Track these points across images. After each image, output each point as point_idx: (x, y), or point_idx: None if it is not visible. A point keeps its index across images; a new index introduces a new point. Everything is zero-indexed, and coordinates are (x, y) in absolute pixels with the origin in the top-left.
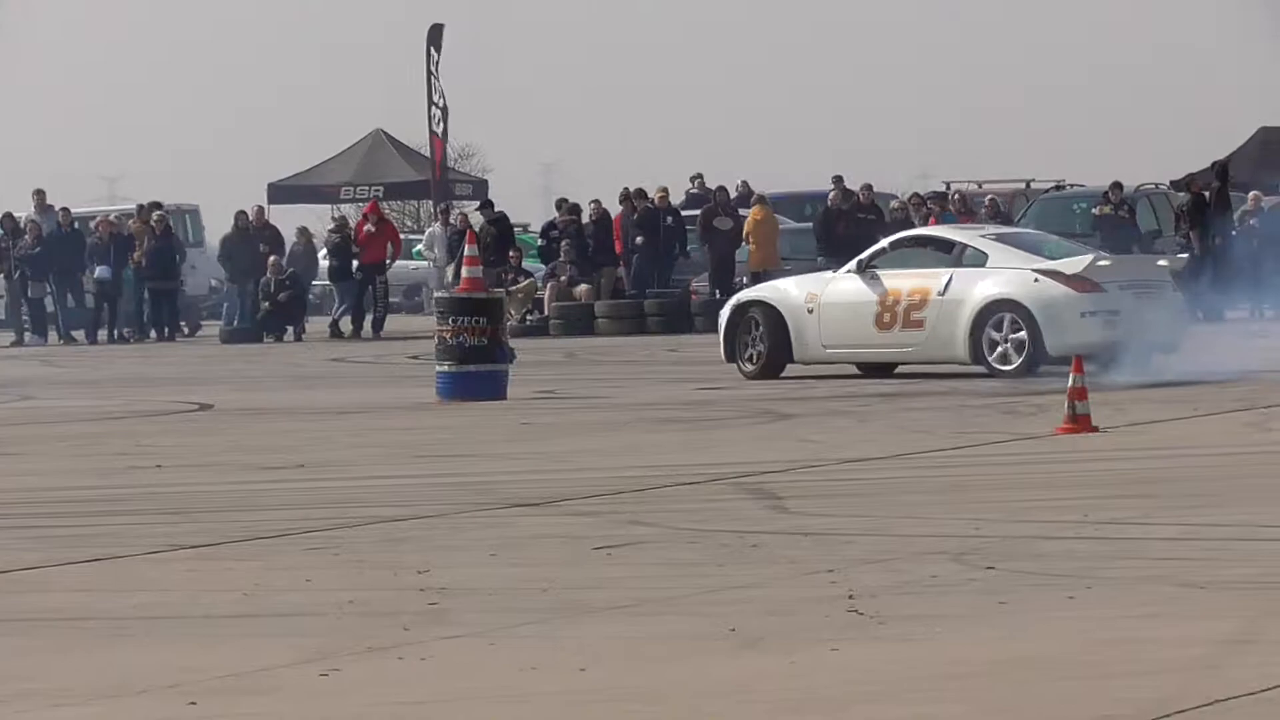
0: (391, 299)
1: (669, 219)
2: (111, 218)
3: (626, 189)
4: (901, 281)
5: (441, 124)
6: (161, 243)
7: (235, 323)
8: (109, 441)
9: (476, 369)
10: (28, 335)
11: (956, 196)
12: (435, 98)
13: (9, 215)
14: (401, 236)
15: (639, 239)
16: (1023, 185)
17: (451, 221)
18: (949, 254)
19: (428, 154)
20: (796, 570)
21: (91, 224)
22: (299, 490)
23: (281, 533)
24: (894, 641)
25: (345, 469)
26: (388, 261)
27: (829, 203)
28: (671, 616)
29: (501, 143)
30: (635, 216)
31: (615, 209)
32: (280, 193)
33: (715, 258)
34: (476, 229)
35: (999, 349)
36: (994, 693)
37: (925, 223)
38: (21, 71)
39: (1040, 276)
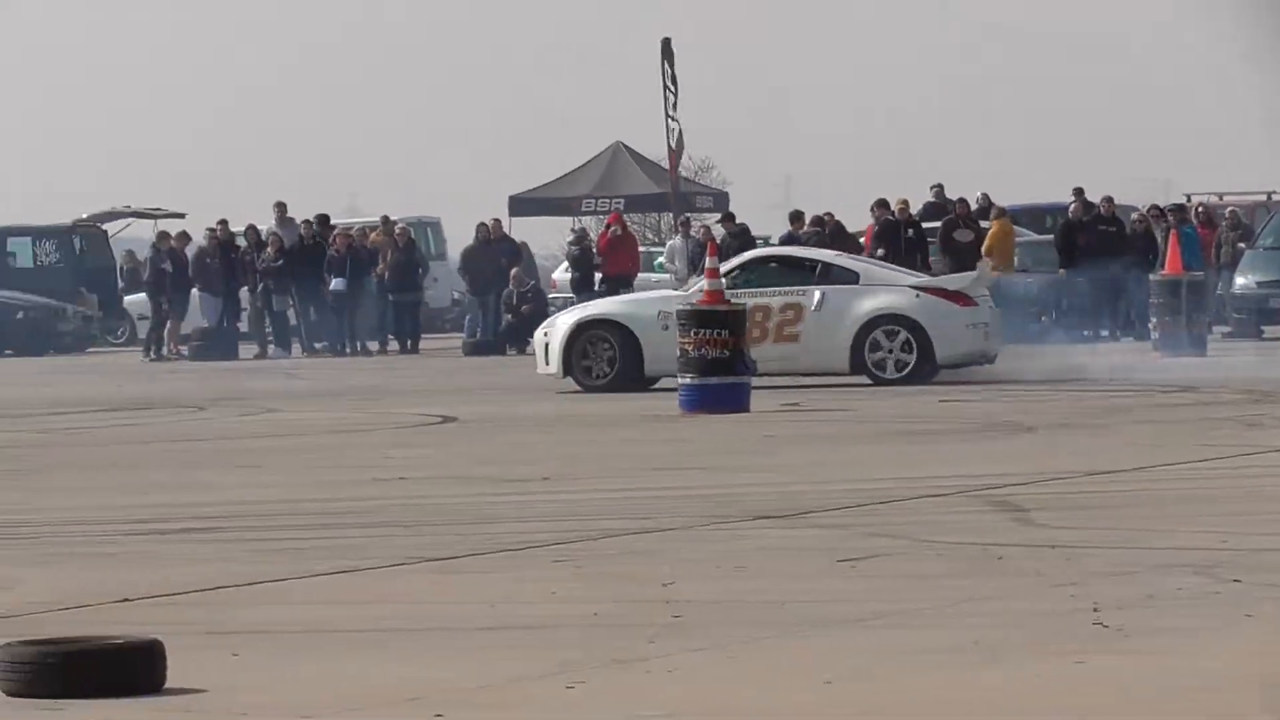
0: None
1: (909, 231)
2: (351, 231)
3: (881, 200)
4: (768, 298)
5: (676, 137)
6: (404, 255)
7: (478, 335)
8: (352, 454)
9: (719, 381)
10: (271, 348)
11: (1200, 209)
12: (670, 111)
13: (252, 228)
14: (641, 249)
15: (880, 251)
16: (1264, 197)
17: (693, 234)
18: (812, 272)
19: (667, 167)
20: (1041, 583)
21: (330, 237)
22: (543, 502)
23: (526, 545)
24: (1138, 654)
25: (589, 481)
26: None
27: (1070, 215)
28: (915, 629)
29: (741, 155)
30: (876, 228)
31: (853, 222)
32: (521, 205)
33: (955, 270)
34: (718, 241)
35: (884, 359)
36: (1239, 707)
37: (1166, 236)
38: (269, 85)
39: (920, 293)
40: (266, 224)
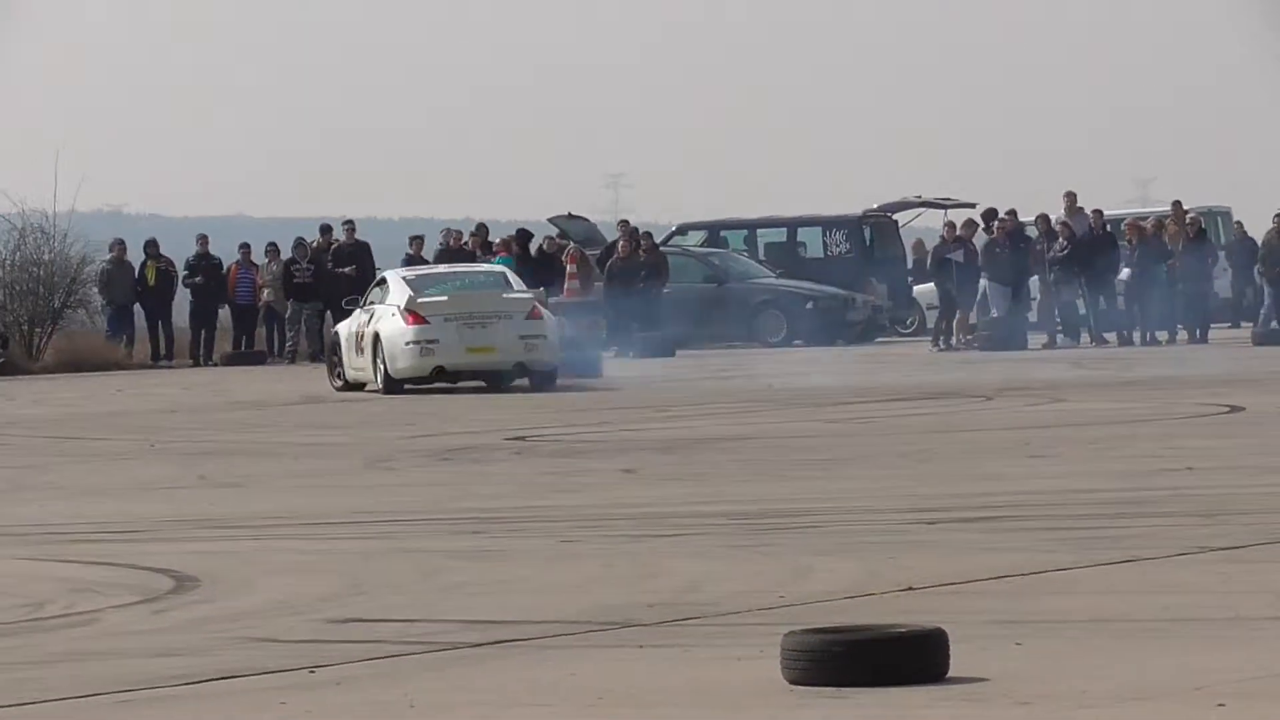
0: None
1: None
2: (1143, 221)
3: None
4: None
5: None
6: (1194, 245)
7: (1275, 324)
8: (1138, 444)
9: None
10: (1060, 337)
11: None
12: None
13: (1043, 217)
14: None
15: None
16: None
17: None
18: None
19: None
20: None
21: (1121, 226)
22: None
23: None
24: None
25: None
26: None
27: None
28: None
29: None
30: None
31: None
32: None
33: None
34: None
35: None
36: None
37: None
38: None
39: (396, 310)
40: (1056, 213)
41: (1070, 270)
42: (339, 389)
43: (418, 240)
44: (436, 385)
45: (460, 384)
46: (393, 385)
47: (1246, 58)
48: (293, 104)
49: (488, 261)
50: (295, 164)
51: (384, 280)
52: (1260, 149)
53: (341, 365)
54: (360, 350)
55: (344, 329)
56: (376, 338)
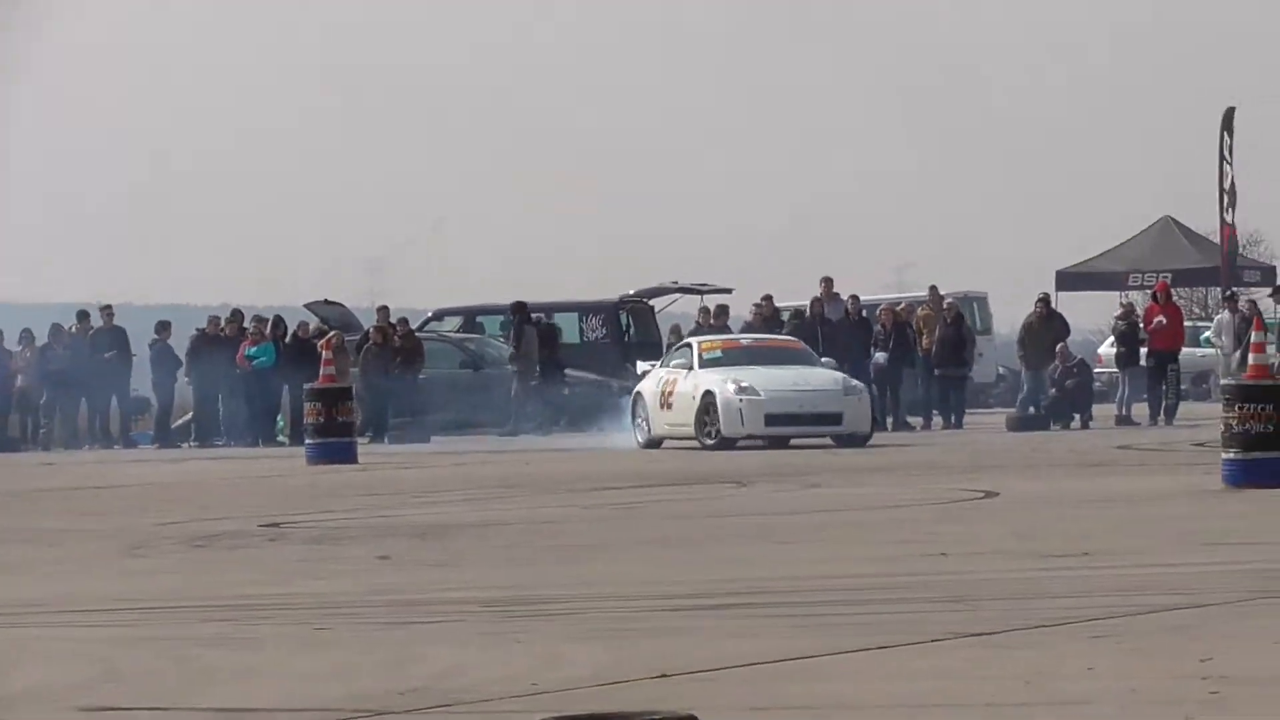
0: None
1: None
2: (898, 306)
3: None
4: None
5: (1231, 211)
6: (951, 331)
7: (1032, 410)
8: (892, 529)
9: (1263, 456)
10: None
11: None
12: (1226, 184)
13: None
14: (1188, 323)
15: None
16: None
17: (1240, 308)
18: None
19: (1216, 240)
20: None
21: (877, 311)
22: (1083, 578)
23: (1064, 620)
24: None
25: (1130, 556)
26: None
27: None
28: None
29: None
30: None
31: None
32: (1068, 280)
33: None
34: (1265, 315)
35: None
36: None
37: None
38: (810, 162)
39: None
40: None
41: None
42: None
43: (165, 327)
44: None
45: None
46: None
47: (1004, 142)
48: (41, 186)
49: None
50: (46, 248)
51: None
52: (1015, 235)
53: None
54: None
55: None
56: None
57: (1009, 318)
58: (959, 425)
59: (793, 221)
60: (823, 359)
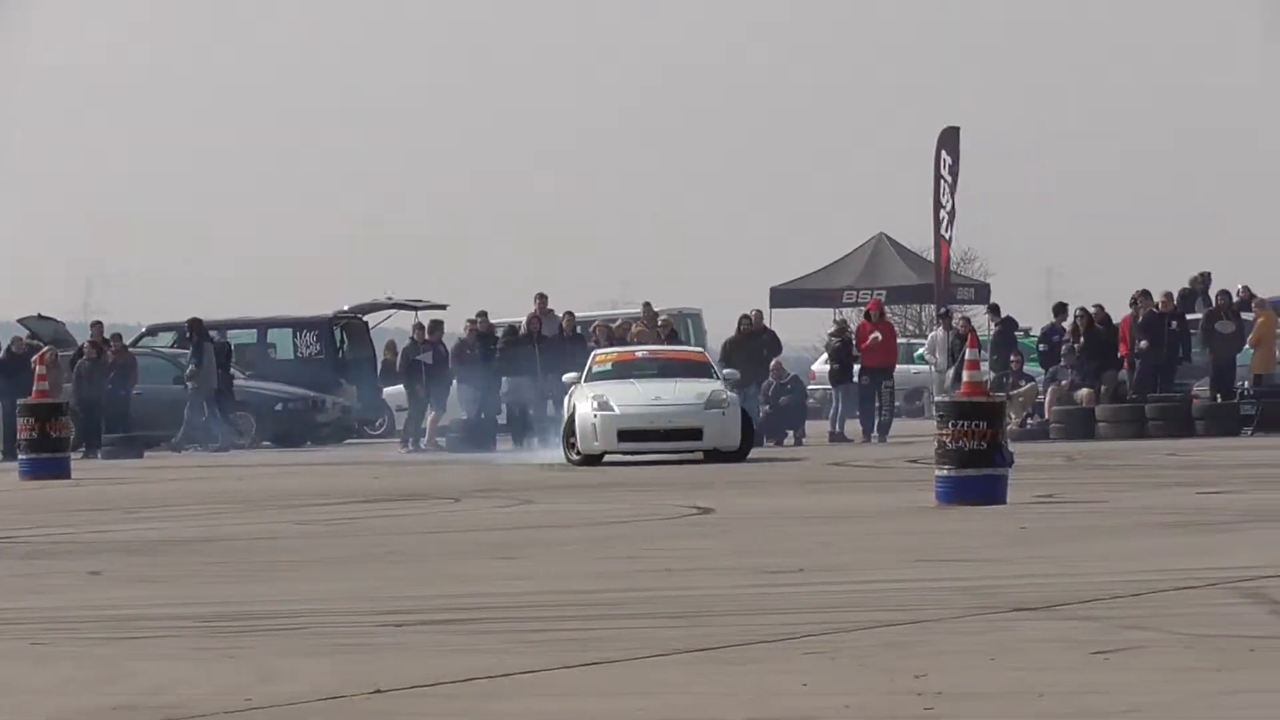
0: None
1: (1173, 323)
2: (613, 323)
3: (1144, 291)
4: None
5: (949, 229)
6: (667, 345)
7: None
8: (614, 545)
9: (976, 473)
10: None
11: None
12: (944, 201)
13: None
14: (902, 340)
15: (1143, 343)
16: None
17: (954, 325)
18: None
19: (929, 258)
20: None
21: (591, 328)
22: (799, 594)
23: (781, 637)
24: None
25: (845, 572)
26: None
27: None
28: None
29: (1004, 247)
30: (1140, 320)
31: (1118, 312)
32: (782, 296)
33: (1217, 362)
34: (979, 332)
35: None
36: None
37: None
38: (531, 177)
39: None
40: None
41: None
42: None
43: None
44: None
45: None
46: None
47: (719, 159)
48: None
49: None
50: None
51: None
52: (730, 252)
53: None
54: None
55: None
56: None
57: (725, 334)
58: None
59: (511, 237)
60: (725, 371)
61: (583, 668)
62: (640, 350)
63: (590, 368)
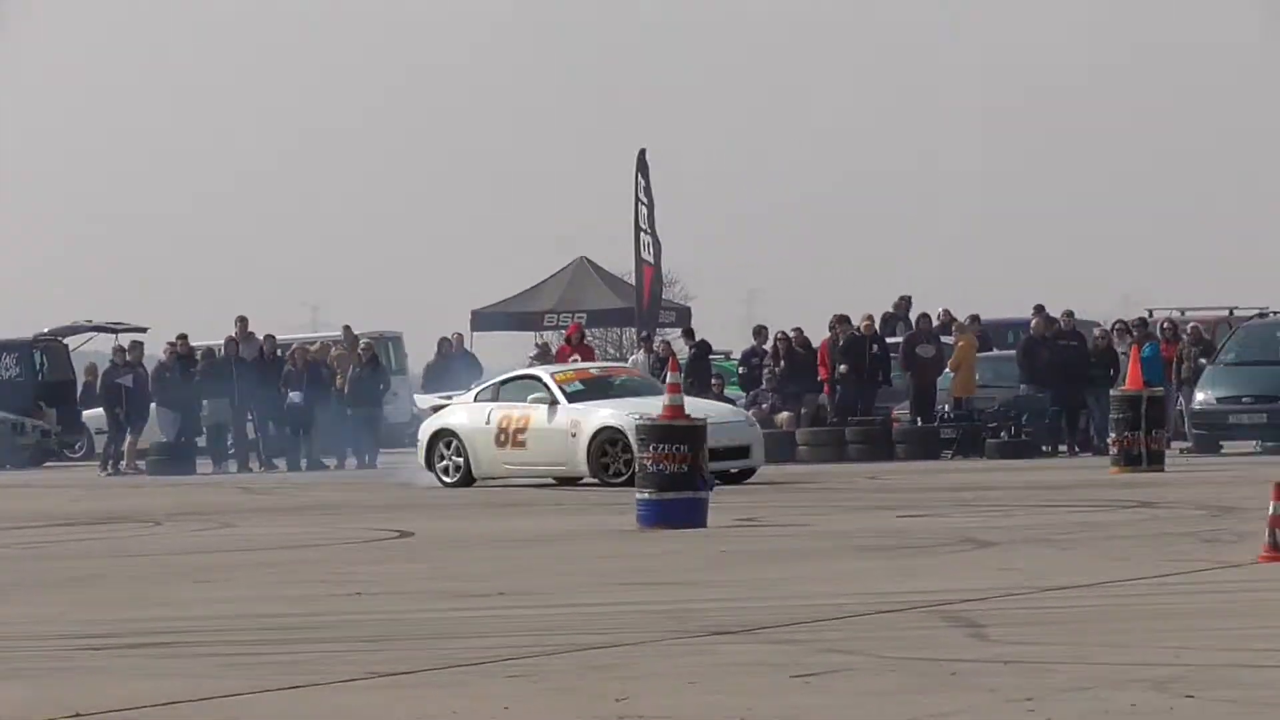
0: None
1: (874, 346)
2: (312, 346)
3: (843, 316)
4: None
5: (651, 251)
6: (366, 370)
7: None
8: (308, 569)
9: (677, 496)
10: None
11: (1166, 324)
12: (643, 224)
13: (231, 340)
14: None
15: (843, 366)
16: (1226, 312)
17: (654, 349)
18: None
19: (631, 281)
20: (996, 698)
21: (288, 351)
22: (499, 618)
23: (481, 660)
24: None
25: (545, 596)
26: None
27: (1031, 330)
28: None
29: (705, 270)
30: (840, 344)
31: (818, 335)
32: (483, 320)
33: (917, 385)
34: (679, 356)
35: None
36: None
37: (1128, 351)
38: (230, 198)
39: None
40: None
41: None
42: None
43: None
44: None
45: None
46: None
47: (419, 181)
48: None
49: None
50: None
51: None
52: (432, 275)
53: None
54: None
55: None
56: None
57: (426, 357)
58: (374, 465)
59: (211, 260)
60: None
61: (284, 691)
62: (594, 367)
63: (558, 387)
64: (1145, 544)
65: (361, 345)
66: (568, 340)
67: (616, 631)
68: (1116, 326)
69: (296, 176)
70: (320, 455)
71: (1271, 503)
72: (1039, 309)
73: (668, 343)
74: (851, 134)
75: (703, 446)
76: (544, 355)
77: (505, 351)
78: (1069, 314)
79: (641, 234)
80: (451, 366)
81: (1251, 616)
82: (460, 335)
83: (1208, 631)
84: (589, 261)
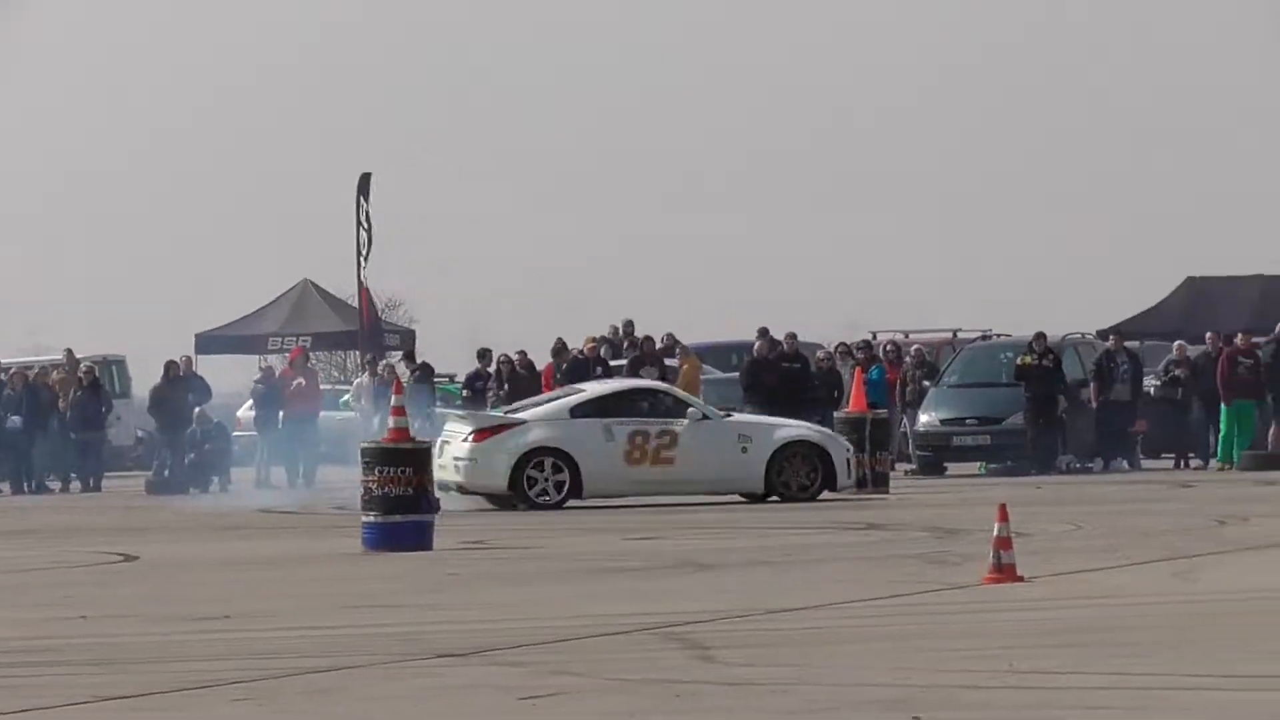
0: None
1: (598, 369)
2: (30, 369)
3: (561, 340)
4: None
5: (367, 274)
6: (88, 394)
7: (167, 473)
8: (32, 593)
9: (402, 519)
10: None
11: (890, 346)
12: (363, 248)
13: None
14: (327, 387)
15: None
16: (949, 335)
17: (379, 372)
18: None
19: (355, 304)
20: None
21: (6, 375)
22: (225, 641)
23: (207, 684)
24: None
25: (271, 619)
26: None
27: (754, 353)
28: None
29: (429, 293)
30: (564, 367)
31: (542, 359)
32: (208, 343)
33: None
34: (402, 379)
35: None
36: None
37: (852, 373)
38: None
39: None
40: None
41: None
42: None
43: None
44: None
45: None
46: None
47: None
48: None
49: None
50: None
51: None
52: (155, 297)
53: None
54: None
55: None
56: None
57: (150, 380)
58: (98, 488)
59: None
60: None
61: (9, 715)
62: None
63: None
64: (872, 566)
65: (83, 369)
66: (291, 364)
67: (342, 654)
68: (839, 349)
69: (11, 196)
70: (44, 479)
71: (996, 524)
72: (763, 331)
73: (392, 366)
74: (568, 155)
75: (428, 468)
76: (268, 378)
77: (227, 375)
78: (792, 336)
79: (362, 256)
80: (176, 390)
81: (977, 637)
82: (189, 358)
83: (934, 652)
84: (313, 284)
